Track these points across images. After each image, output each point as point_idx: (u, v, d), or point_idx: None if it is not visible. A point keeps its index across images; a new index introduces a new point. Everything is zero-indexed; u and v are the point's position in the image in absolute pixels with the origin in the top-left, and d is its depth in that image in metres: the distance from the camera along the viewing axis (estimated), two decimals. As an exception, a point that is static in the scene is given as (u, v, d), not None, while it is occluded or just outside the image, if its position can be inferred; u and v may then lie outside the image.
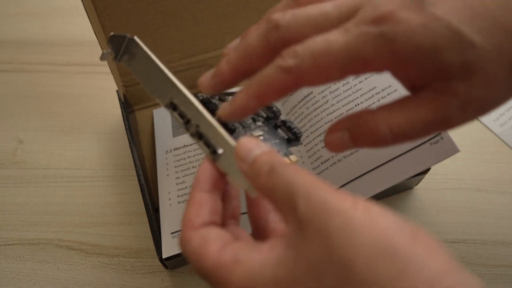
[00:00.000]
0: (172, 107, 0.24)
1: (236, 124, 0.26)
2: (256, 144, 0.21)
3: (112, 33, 0.25)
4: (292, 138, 0.29)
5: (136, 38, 0.25)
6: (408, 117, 0.20)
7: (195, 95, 0.25)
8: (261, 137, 0.27)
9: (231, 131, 0.24)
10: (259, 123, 0.28)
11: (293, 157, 0.26)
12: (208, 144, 0.23)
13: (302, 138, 0.29)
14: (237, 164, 0.21)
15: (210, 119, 0.23)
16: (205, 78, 0.25)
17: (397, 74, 0.21)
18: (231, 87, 0.25)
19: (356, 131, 0.22)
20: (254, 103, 0.22)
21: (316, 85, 0.22)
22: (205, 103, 0.25)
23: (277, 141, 0.28)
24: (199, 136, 0.23)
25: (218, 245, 0.19)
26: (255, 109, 0.23)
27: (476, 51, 0.19)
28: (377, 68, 0.20)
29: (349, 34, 0.20)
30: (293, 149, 0.34)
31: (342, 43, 0.20)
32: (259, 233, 0.24)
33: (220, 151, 0.22)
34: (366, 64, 0.20)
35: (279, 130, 0.29)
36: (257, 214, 0.24)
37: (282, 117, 0.32)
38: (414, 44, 0.19)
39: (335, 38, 0.20)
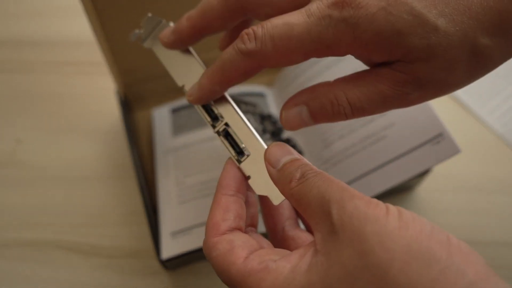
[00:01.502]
0: None
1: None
2: (287, 150, 0.21)
3: (149, 14, 0.25)
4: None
5: (172, 24, 0.25)
6: (368, 91, 0.21)
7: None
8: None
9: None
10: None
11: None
12: (233, 145, 0.22)
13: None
14: (266, 168, 0.21)
15: (244, 119, 0.22)
16: (165, 34, 0.25)
17: (359, 57, 0.21)
18: (190, 44, 0.25)
19: (314, 105, 0.22)
20: (219, 87, 0.22)
21: (280, 67, 0.22)
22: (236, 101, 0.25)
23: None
24: (225, 135, 0.23)
25: (245, 252, 0.19)
26: (221, 93, 0.23)
27: (439, 35, 0.19)
28: (339, 52, 0.20)
29: (311, 17, 0.20)
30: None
31: (304, 28, 0.20)
32: (276, 240, 0.23)
33: (247, 152, 0.22)
34: (328, 49, 0.20)
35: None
36: (274, 222, 0.24)
37: None
38: (375, 30, 0.19)
39: (296, 21, 0.20)
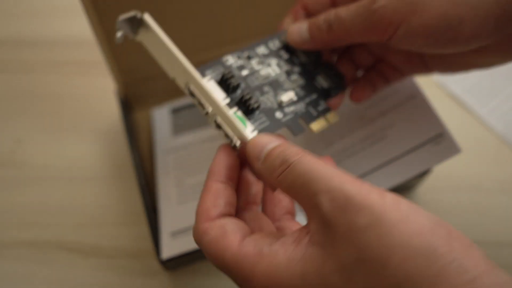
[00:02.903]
0: (190, 92, 0.23)
1: (257, 95, 0.25)
2: (268, 139, 0.20)
3: (120, 17, 0.24)
4: (333, 86, 0.27)
5: (146, 16, 0.24)
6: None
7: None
8: (294, 97, 0.25)
9: (252, 110, 0.23)
10: (294, 76, 0.27)
11: (331, 116, 0.25)
12: (227, 136, 0.22)
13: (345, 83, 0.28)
14: (252, 164, 0.21)
15: (225, 110, 0.21)
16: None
17: None
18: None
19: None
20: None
21: None
22: (225, 79, 0.23)
23: (314, 97, 0.26)
24: (218, 126, 0.22)
25: (238, 236, 0.19)
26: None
27: None
28: None
29: None
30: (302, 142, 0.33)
31: None
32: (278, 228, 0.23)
33: (238, 143, 0.22)
34: None
35: (319, 78, 0.28)
36: (273, 212, 0.24)
37: None
38: None
39: None
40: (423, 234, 0.15)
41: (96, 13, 0.34)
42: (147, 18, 0.23)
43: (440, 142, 0.30)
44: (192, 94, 0.23)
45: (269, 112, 0.24)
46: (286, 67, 0.27)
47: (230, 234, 0.19)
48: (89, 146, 0.42)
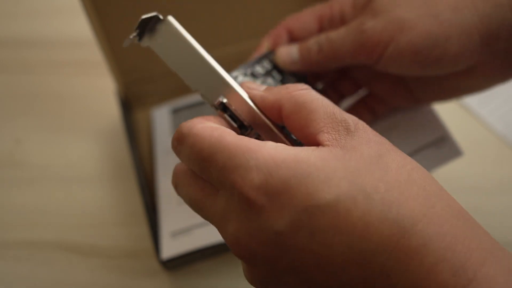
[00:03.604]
0: (222, 107, 0.20)
1: None
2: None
3: (143, 16, 0.21)
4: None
5: (170, 18, 0.21)
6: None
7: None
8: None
9: None
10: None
11: None
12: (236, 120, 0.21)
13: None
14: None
15: (273, 128, 0.20)
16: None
17: None
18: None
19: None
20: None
21: None
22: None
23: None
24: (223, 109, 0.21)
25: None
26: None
27: None
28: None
29: None
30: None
31: None
32: None
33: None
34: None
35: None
36: None
37: None
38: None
39: None
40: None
41: (96, 13, 0.34)
42: (172, 20, 0.21)
43: (442, 145, 0.30)
44: (224, 109, 0.20)
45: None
46: (281, 84, 0.27)
47: (228, 129, 0.19)
48: (89, 146, 0.42)
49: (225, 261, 0.35)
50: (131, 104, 0.43)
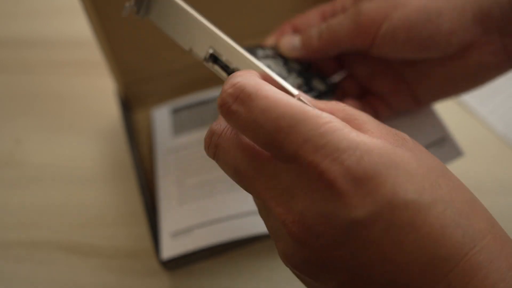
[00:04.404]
0: (213, 59, 0.21)
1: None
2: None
3: None
4: (327, 89, 0.28)
5: None
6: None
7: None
8: (304, 86, 0.26)
9: None
10: (294, 75, 0.27)
11: None
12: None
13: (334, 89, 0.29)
14: None
15: (264, 68, 0.20)
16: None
17: None
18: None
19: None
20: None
21: None
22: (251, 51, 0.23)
23: (317, 95, 0.27)
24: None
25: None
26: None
27: None
28: None
29: None
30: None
31: None
32: None
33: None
34: None
35: (315, 82, 0.28)
36: None
37: None
38: None
39: None
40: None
41: (96, 13, 0.34)
42: None
43: (442, 145, 0.30)
44: (215, 59, 0.21)
45: None
46: (284, 68, 0.27)
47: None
48: (89, 146, 0.42)
49: (225, 261, 0.35)
50: (131, 104, 0.43)
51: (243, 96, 0.17)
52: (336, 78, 0.31)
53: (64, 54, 0.49)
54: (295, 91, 0.19)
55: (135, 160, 0.36)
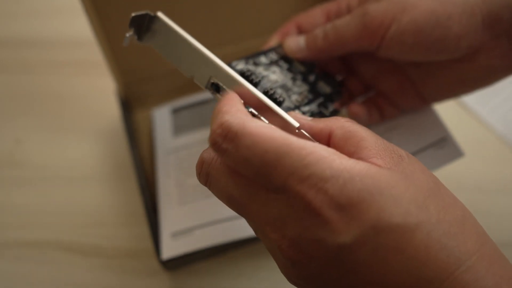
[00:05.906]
0: (215, 87, 0.22)
1: (280, 91, 0.25)
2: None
3: (133, 14, 0.23)
4: (334, 91, 0.28)
5: (160, 14, 0.23)
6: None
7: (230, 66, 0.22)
8: (309, 95, 0.26)
9: (279, 103, 0.22)
10: (299, 82, 0.27)
11: (343, 115, 0.26)
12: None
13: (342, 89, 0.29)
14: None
15: (265, 99, 0.20)
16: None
17: None
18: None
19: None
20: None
21: None
22: (246, 76, 0.23)
23: (322, 101, 0.27)
24: (252, 115, 0.21)
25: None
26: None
27: None
28: None
29: None
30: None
31: None
32: None
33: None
34: None
35: (321, 85, 0.28)
36: None
37: None
38: None
39: None
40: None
41: (96, 13, 0.34)
42: (161, 15, 0.23)
43: (443, 146, 0.30)
44: (216, 89, 0.22)
45: (289, 111, 0.24)
46: (289, 74, 0.27)
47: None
48: (89, 146, 0.42)
49: (225, 261, 0.35)
50: (131, 104, 0.43)
51: (230, 136, 0.17)
52: (341, 75, 0.31)
53: (64, 54, 0.49)
54: (295, 123, 0.20)
55: (135, 160, 0.36)
